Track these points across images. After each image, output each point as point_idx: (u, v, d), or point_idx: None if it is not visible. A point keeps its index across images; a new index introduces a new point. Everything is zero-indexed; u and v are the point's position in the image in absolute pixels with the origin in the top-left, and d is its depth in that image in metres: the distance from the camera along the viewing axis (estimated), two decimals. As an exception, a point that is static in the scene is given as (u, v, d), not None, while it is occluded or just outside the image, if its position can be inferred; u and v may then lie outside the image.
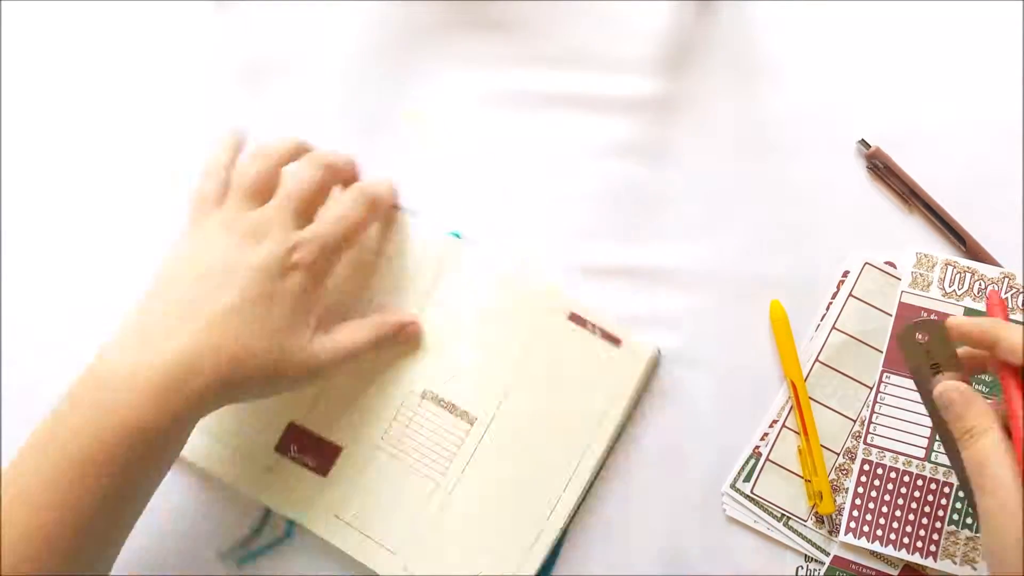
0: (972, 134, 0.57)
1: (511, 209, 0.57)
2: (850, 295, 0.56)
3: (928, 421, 0.53)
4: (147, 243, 0.57)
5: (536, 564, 0.53)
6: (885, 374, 0.55)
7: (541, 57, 0.58)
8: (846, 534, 0.53)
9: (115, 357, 0.45)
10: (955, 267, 0.55)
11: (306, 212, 0.50)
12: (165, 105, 0.58)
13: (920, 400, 0.48)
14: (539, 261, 0.57)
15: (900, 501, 0.54)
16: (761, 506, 0.55)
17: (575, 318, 0.55)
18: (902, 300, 0.55)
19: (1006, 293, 0.55)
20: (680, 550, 0.54)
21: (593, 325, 0.55)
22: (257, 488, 0.55)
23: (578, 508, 0.54)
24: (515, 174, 0.57)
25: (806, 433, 0.54)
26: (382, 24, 0.58)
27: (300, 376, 0.49)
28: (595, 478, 0.55)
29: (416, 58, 0.58)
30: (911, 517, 0.53)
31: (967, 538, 0.53)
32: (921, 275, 0.55)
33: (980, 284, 0.55)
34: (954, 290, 0.55)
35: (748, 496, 0.55)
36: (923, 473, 0.54)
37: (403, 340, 0.55)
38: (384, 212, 0.55)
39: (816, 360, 0.56)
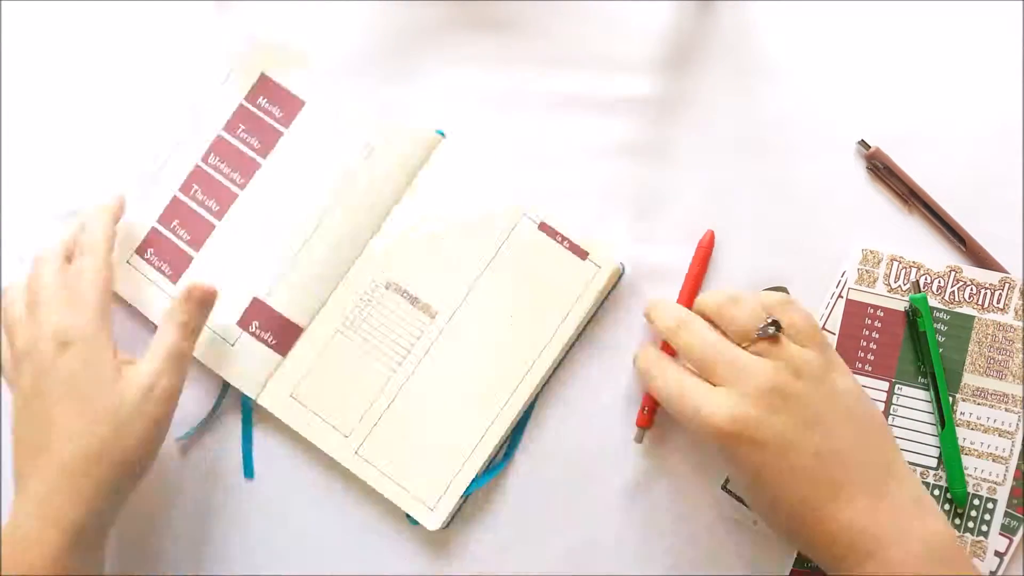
0: (972, 134, 0.56)
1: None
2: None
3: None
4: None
5: (480, 461, 0.54)
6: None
7: (541, 57, 0.58)
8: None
9: None
10: (900, 262, 0.55)
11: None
12: (166, 105, 0.58)
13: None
14: (518, 171, 0.57)
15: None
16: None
17: (545, 227, 0.56)
18: (849, 297, 0.55)
19: (953, 285, 0.55)
20: (684, 549, 0.55)
21: (562, 237, 0.56)
22: (217, 362, 0.56)
23: (530, 409, 0.56)
24: (515, 174, 0.57)
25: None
26: (382, 24, 0.58)
27: (133, 424, 0.49)
28: (550, 378, 0.56)
29: (417, 58, 0.58)
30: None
31: None
32: (867, 271, 0.55)
33: (925, 279, 0.55)
34: (899, 285, 0.55)
35: (739, 497, 0.55)
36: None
37: (203, 302, 0.53)
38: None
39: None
